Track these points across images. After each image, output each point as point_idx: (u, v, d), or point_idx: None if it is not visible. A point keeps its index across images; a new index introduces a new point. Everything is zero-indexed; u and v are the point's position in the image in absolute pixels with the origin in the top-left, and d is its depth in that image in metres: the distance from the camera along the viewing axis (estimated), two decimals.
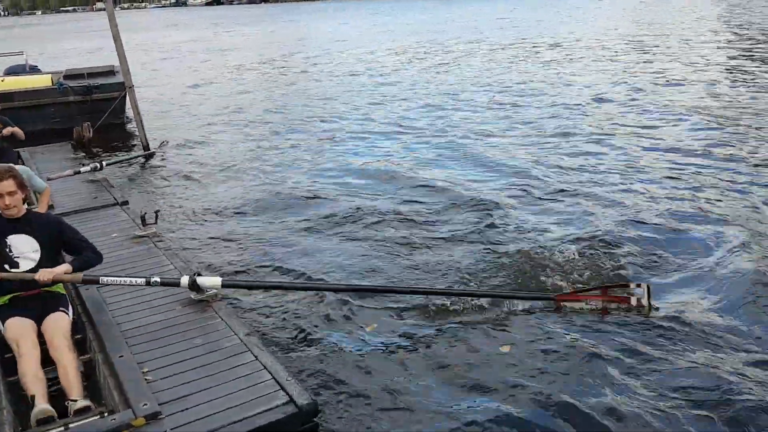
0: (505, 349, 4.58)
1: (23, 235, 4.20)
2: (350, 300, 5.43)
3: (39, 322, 4.05)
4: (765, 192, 7.56)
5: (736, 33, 25.12)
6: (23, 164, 8.91)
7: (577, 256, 5.98)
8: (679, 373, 4.21)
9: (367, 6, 71.75)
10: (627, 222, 6.87)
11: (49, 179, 8.02)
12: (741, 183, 7.95)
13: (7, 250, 4.17)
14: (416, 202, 8.06)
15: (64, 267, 4.24)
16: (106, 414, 3.51)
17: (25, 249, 4.20)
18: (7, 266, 4.14)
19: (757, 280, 5.38)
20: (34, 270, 4.16)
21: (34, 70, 16.60)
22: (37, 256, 4.23)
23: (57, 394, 3.77)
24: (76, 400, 3.62)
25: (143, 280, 4.57)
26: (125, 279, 4.59)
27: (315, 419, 3.50)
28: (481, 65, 21.04)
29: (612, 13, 42.02)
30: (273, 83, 20.56)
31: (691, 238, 6.43)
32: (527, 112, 13.25)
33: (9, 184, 4.11)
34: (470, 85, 17.21)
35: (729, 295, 5.22)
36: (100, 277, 4.46)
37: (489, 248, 6.40)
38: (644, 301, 4.95)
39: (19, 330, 3.91)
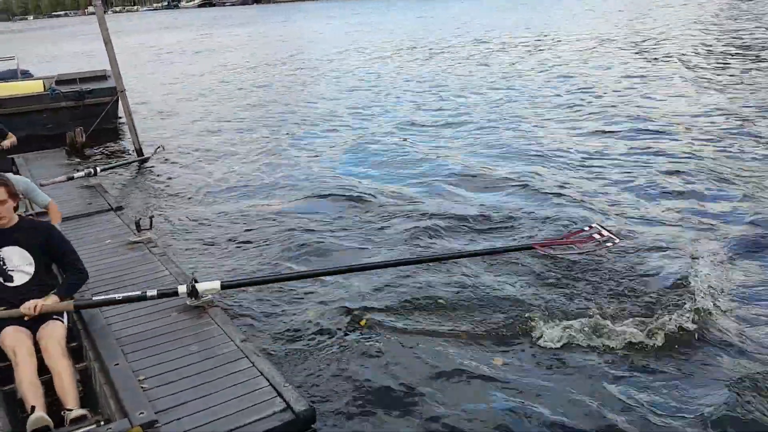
0: (498, 361, 4.58)
1: (16, 247, 4.08)
2: (346, 304, 5.42)
3: (34, 330, 3.98)
4: None
5: None
6: (17, 170, 8.87)
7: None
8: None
9: (360, 6, 71.56)
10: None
11: (41, 185, 7.96)
12: None
13: (1, 263, 4.06)
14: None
15: (51, 298, 4.07)
16: (102, 423, 3.49)
17: (18, 262, 4.09)
18: (1, 279, 4.06)
19: None
20: (29, 284, 4.09)
21: (25, 75, 16.50)
22: (31, 269, 4.12)
23: (53, 403, 3.72)
24: (71, 410, 3.58)
25: (138, 293, 4.47)
26: (119, 296, 4.45)
27: (312, 426, 3.48)
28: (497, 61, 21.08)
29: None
30: (267, 84, 20.55)
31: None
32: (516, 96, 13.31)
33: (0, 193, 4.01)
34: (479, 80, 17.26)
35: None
36: (93, 297, 4.36)
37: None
38: (605, 233, 5.43)
39: (15, 339, 3.86)
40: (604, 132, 11.02)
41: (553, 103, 13.86)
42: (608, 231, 5.45)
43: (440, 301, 5.38)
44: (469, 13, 47.83)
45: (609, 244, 5.34)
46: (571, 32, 28.25)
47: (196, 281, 4.69)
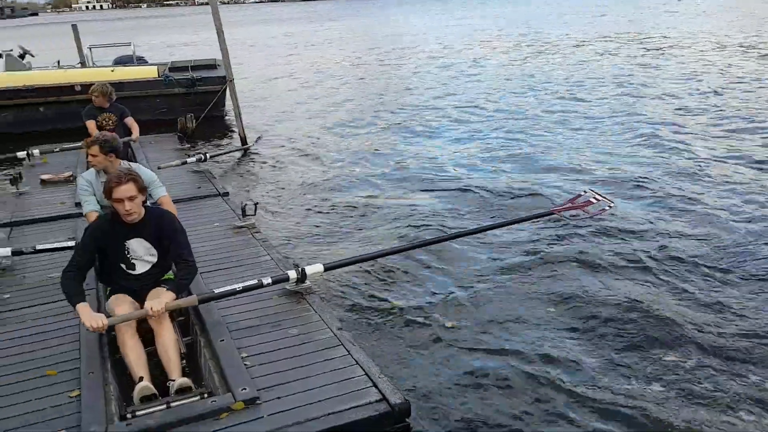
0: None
1: (141, 239, 4.16)
2: (440, 297, 5.47)
3: (142, 300, 4.10)
4: None
5: None
6: (133, 153, 9.44)
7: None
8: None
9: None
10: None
11: (159, 168, 8.45)
12: None
13: (126, 253, 4.15)
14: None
15: (167, 295, 4.04)
16: (205, 395, 3.64)
17: (142, 252, 4.18)
18: (123, 266, 4.16)
19: None
20: (149, 272, 4.21)
21: (141, 61, 17.46)
22: (153, 258, 4.22)
23: (160, 374, 3.92)
24: (174, 380, 3.75)
25: (255, 282, 4.60)
26: (239, 286, 4.54)
27: (407, 419, 3.51)
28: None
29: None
30: (369, 77, 20.82)
31: None
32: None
33: (129, 188, 3.99)
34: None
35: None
36: (215, 290, 4.41)
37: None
38: (599, 197, 6.14)
39: (120, 305, 3.99)
40: None
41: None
42: (602, 195, 6.19)
43: (538, 292, 5.38)
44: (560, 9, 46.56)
45: (607, 208, 6.07)
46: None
47: (299, 266, 4.87)
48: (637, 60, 20.59)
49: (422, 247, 5.85)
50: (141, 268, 4.20)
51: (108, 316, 4.00)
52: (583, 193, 6.37)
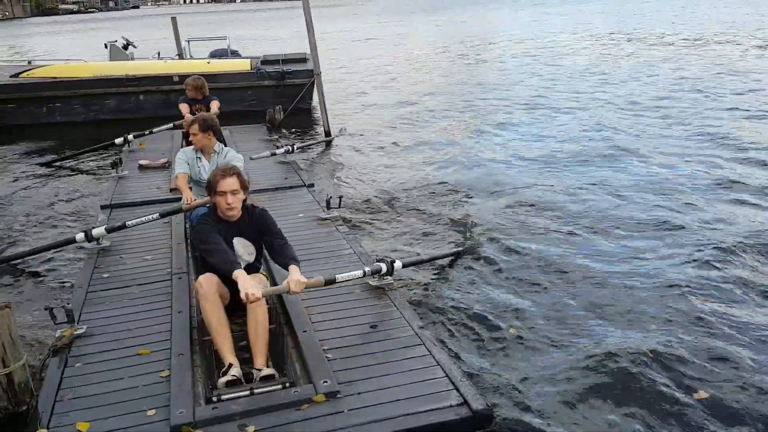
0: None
1: (243, 239, 4.23)
2: (524, 300, 5.34)
3: (233, 289, 4.05)
4: None
5: None
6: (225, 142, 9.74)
7: None
8: None
9: None
10: None
11: (251, 158, 8.70)
12: None
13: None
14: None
15: (298, 270, 3.98)
16: (288, 385, 3.69)
17: (242, 252, 4.24)
18: None
19: None
20: (247, 269, 4.10)
21: (234, 54, 18.03)
22: (251, 258, 4.28)
23: (244, 360, 3.99)
24: (260, 369, 3.81)
25: (360, 272, 4.66)
26: (354, 273, 4.60)
27: (488, 426, 3.42)
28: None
29: None
30: (455, 73, 20.56)
31: None
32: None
33: (232, 182, 4.05)
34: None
35: None
36: (336, 275, 4.43)
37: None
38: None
39: (207, 281, 3.98)
40: None
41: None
42: None
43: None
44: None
45: None
46: None
47: (386, 261, 4.90)
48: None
49: None
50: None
51: (198, 303, 4.11)
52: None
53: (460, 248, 6.39)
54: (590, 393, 4.07)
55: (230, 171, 4.09)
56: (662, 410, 3.87)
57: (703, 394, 4.02)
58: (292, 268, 4.01)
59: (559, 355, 4.53)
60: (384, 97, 17.17)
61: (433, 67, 22.00)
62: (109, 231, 5.91)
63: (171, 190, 7.24)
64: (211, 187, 4.12)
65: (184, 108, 8.46)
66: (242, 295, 3.66)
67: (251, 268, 4.27)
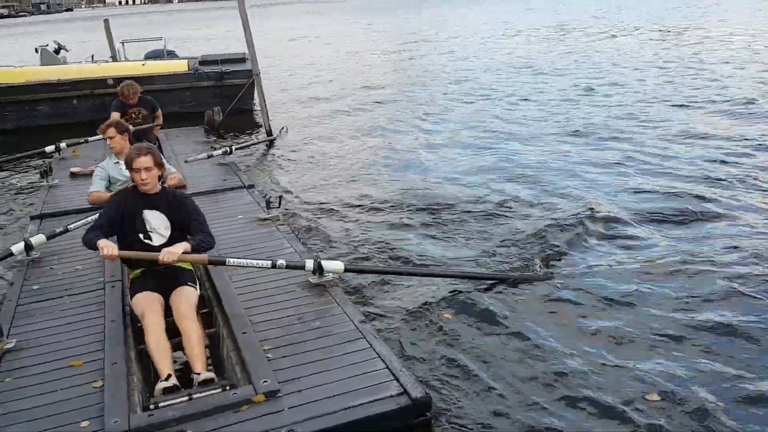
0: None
1: (157, 212, 4.37)
2: (462, 290, 5.40)
3: (167, 296, 4.21)
4: None
5: None
6: (160, 146, 9.54)
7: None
8: None
9: None
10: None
11: (186, 162, 8.55)
12: None
13: (143, 223, 4.35)
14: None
15: (183, 245, 4.23)
16: (227, 388, 3.65)
17: (157, 224, 4.37)
18: (141, 236, 4.31)
19: None
20: (165, 245, 4.30)
21: (171, 55, 17.66)
22: (167, 233, 4.38)
23: (182, 366, 3.97)
24: (199, 373, 3.76)
25: (269, 262, 4.66)
26: (252, 261, 4.68)
27: (428, 413, 3.48)
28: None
29: None
30: (397, 72, 20.66)
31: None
32: None
33: (146, 160, 4.30)
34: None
35: None
36: (227, 258, 4.56)
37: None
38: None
39: (146, 302, 4.09)
40: None
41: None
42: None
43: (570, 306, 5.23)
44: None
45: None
46: None
47: (321, 260, 4.84)
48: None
49: (459, 278, 5.54)
50: (157, 240, 4.35)
51: (131, 312, 4.22)
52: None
53: (405, 268, 6.06)
54: (524, 379, 4.15)
55: (144, 150, 4.34)
56: (593, 398, 3.96)
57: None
58: (181, 243, 4.26)
59: (495, 342, 4.62)
60: (328, 94, 17.15)
61: (375, 67, 22.02)
62: (49, 237, 5.73)
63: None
64: (127, 163, 4.39)
65: (114, 117, 8.22)
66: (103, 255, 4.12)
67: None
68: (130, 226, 4.33)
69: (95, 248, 4.15)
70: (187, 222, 4.42)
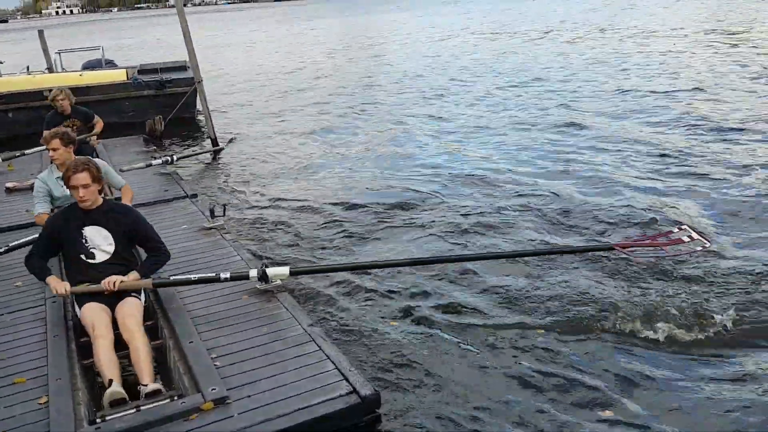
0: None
1: (98, 227, 4.30)
2: (409, 288, 5.54)
3: (113, 307, 4.18)
4: None
5: None
6: (97, 156, 9.32)
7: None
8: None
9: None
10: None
11: (121, 170, 8.35)
12: None
13: (84, 240, 4.28)
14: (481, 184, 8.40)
15: (132, 275, 4.29)
16: (176, 397, 3.63)
17: (99, 241, 4.30)
18: (83, 257, 4.26)
19: None
20: (108, 262, 4.29)
21: (110, 64, 17.30)
22: (111, 248, 4.32)
23: (129, 378, 3.91)
24: (146, 384, 3.73)
25: (212, 275, 4.65)
26: (195, 276, 4.63)
27: (377, 410, 3.54)
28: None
29: None
30: (340, 77, 20.74)
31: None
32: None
33: (83, 177, 4.21)
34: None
35: None
36: (171, 277, 4.53)
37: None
38: (695, 235, 4.94)
39: (94, 314, 4.05)
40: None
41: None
42: (699, 233, 4.99)
43: (509, 295, 5.37)
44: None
45: (698, 248, 4.92)
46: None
47: (266, 266, 4.86)
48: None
49: (406, 266, 5.62)
50: (100, 257, 4.29)
51: (81, 326, 4.19)
52: (676, 230, 5.11)
53: (349, 263, 6.18)
54: (474, 375, 4.27)
55: (81, 166, 4.23)
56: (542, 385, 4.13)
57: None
58: (131, 272, 4.30)
59: (447, 340, 4.73)
60: (273, 100, 17.15)
61: (324, 74, 21.97)
62: None
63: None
64: (65, 180, 4.30)
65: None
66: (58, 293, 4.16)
67: (119, 262, 4.36)
68: (70, 247, 4.27)
69: (43, 281, 4.20)
70: (132, 233, 4.38)
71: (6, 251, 5.60)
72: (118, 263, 4.37)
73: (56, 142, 5.37)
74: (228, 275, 4.71)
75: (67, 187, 4.31)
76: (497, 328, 4.84)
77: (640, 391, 4.01)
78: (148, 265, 4.41)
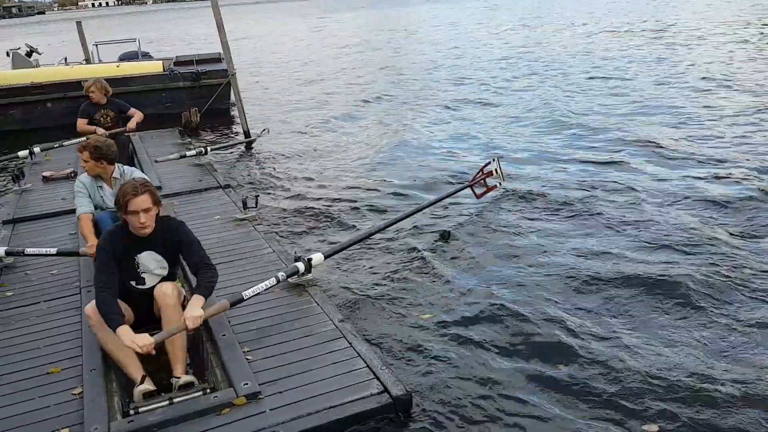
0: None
1: (152, 252, 4.01)
2: (441, 282, 5.50)
3: (145, 300, 4.01)
4: None
5: None
6: (133, 148, 9.43)
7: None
8: None
9: None
10: None
11: (156, 161, 8.45)
12: None
13: (136, 266, 4.00)
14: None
15: (197, 300, 3.84)
16: (208, 391, 3.62)
17: (152, 266, 4.05)
18: (133, 283, 4.01)
19: None
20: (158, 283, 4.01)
21: (146, 56, 17.52)
22: (164, 272, 4.09)
23: (162, 369, 3.91)
24: (179, 377, 3.73)
25: (273, 280, 4.55)
26: (263, 286, 4.46)
27: (409, 411, 3.50)
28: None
29: None
30: (375, 70, 20.66)
31: None
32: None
33: (144, 200, 3.80)
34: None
35: None
36: (243, 294, 4.30)
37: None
38: (493, 169, 7.40)
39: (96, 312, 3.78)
40: None
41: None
42: (500, 170, 7.42)
43: (550, 289, 5.27)
44: None
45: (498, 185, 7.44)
46: None
47: (302, 258, 4.89)
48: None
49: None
50: (150, 281, 4.04)
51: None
52: (490, 161, 7.39)
53: (371, 228, 6.32)
54: (507, 378, 4.14)
55: (141, 188, 3.82)
56: (580, 398, 3.96)
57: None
58: (194, 298, 3.85)
59: (478, 339, 4.61)
60: (306, 93, 17.14)
61: (356, 65, 21.96)
62: (8, 254, 5.58)
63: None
64: (120, 206, 3.85)
65: (81, 124, 8.05)
66: (141, 352, 3.57)
67: (169, 279, 4.13)
68: (121, 273, 3.92)
69: (114, 328, 3.65)
70: (186, 255, 4.07)
71: (18, 254, 5.58)
72: (167, 281, 4.10)
73: (86, 154, 5.21)
74: (284, 275, 4.66)
75: (123, 214, 3.87)
76: (537, 326, 4.71)
77: None
78: (209, 287, 3.99)
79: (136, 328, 3.86)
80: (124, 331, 3.61)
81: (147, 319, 4.05)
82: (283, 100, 16.54)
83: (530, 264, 5.78)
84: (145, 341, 3.56)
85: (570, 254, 5.93)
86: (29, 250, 5.50)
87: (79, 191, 5.26)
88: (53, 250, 5.44)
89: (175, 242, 4.06)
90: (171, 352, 3.85)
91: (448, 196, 7.15)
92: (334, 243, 6.44)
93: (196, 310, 3.77)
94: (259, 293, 4.40)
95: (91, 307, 3.84)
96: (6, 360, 4.07)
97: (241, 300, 4.26)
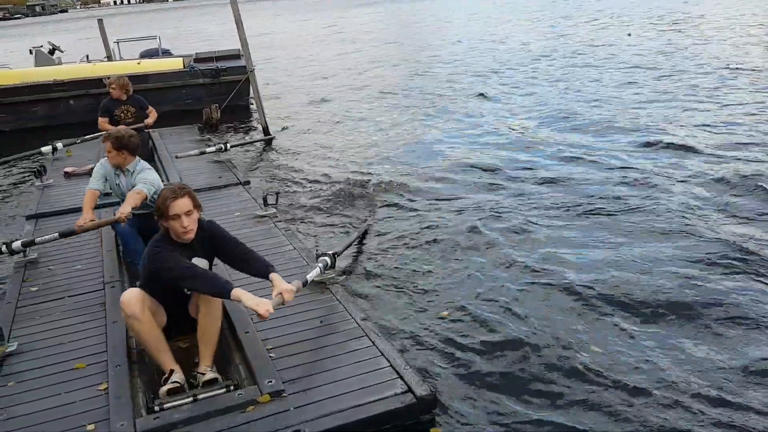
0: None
1: (198, 259, 3.91)
2: (462, 277, 5.46)
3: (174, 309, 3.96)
4: None
5: None
6: (153, 145, 9.49)
7: None
8: None
9: None
10: None
11: (176, 157, 8.51)
12: None
13: None
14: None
15: (276, 277, 3.80)
16: (232, 388, 3.63)
17: None
18: (185, 289, 3.90)
19: None
20: None
21: (166, 53, 17.62)
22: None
23: (183, 363, 3.88)
24: (204, 373, 3.72)
25: (318, 269, 4.60)
26: (314, 272, 4.52)
27: (433, 411, 3.47)
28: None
29: None
30: (395, 64, 20.59)
31: None
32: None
33: (185, 203, 3.68)
34: None
35: None
36: (306, 277, 4.33)
37: None
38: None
39: (134, 303, 3.71)
40: None
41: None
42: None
43: (575, 288, 5.18)
44: None
45: None
46: None
47: (324, 254, 4.91)
48: None
49: None
50: None
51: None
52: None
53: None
54: (531, 377, 4.11)
55: (180, 191, 3.69)
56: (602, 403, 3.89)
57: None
58: (274, 276, 3.79)
59: (500, 337, 4.57)
60: (326, 88, 17.09)
61: (376, 62, 21.82)
62: (24, 246, 5.63)
63: None
64: (161, 212, 3.71)
65: (102, 122, 8.22)
66: (262, 312, 3.48)
67: None
68: (167, 284, 3.77)
69: (228, 296, 3.56)
70: (227, 250, 3.99)
71: (29, 244, 5.63)
72: None
73: (109, 144, 5.36)
74: (322, 266, 4.70)
75: (164, 221, 3.74)
76: (567, 330, 4.64)
77: None
78: (266, 263, 3.94)
79: (167, 332, 3.90)
80: (240, 292, 3.53)
81: (182, 319, 4.00)
82: (302, 96, 16.54)
83: (560, 267, 5.62)
84: (267, 306, 3.50)
85: (606, 263, 5.69)
86: (39, 239, 5.59)
87: (96, 171, 5.57)
88: (56, 235, 5.47)
89: (212, 242, 3.99)
90: (201, 341, 3.78)
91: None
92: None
93: (285, 284, 3.74)
94: (314, 279, 4.49)
95: (126, 297, 3.72)
96: (32, 355, 4.11)
97: (307, 283, 4.27)
